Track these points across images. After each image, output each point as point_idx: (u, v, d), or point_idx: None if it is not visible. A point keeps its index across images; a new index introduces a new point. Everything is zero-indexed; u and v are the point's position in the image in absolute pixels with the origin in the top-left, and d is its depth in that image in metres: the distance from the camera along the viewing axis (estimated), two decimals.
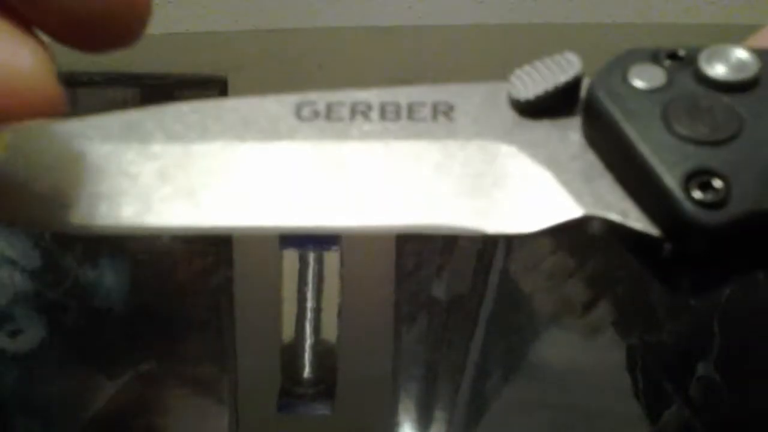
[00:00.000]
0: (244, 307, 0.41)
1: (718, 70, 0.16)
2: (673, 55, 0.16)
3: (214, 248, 0.45)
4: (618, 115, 0.16)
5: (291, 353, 0.41)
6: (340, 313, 0.41)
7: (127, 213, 0.16)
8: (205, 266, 0.45)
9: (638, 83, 0.16)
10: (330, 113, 0.17)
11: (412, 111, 0.17)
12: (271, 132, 0.17)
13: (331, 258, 0.42)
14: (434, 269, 0.45)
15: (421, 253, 0.45)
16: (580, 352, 0.42)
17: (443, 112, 0.17)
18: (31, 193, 0.16)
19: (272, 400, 0.40)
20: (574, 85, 0.16)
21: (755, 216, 0.15)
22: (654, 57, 0.16)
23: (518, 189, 0.16)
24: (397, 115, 0.17)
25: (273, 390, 0.40)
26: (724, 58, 0.16)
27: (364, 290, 0.42)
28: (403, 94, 0.17)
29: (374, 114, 0.17)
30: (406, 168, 0.16)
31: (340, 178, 0.16)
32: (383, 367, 0.40)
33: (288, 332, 0.41)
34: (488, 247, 0.45)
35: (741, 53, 0.16)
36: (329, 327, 0.42)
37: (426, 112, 0.17)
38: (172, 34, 0.65)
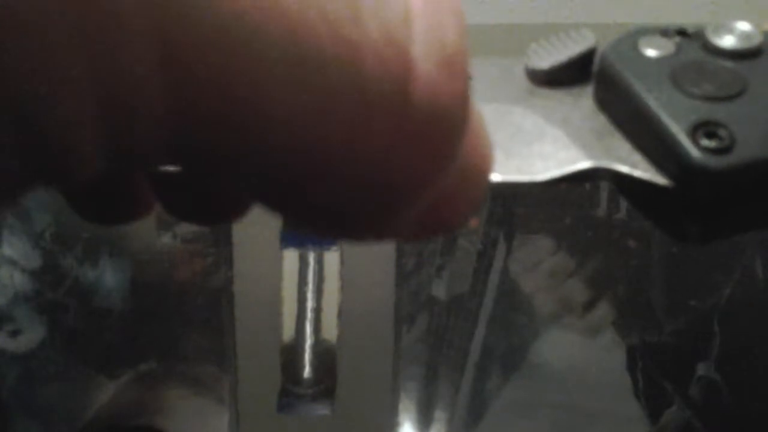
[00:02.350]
0: (244, 307, 0.41)
1: (725, 41, 0.17)
2: (681, 32, 0.17)
3: (214, 248, 0.45)
4: (629, 76, 0.16)
5: (291, 353, 0.41)
6: (340, 313, 0.41)
7: None
8: (205, 266, 0.45)
9: (649, 52, 0.17)
10: None
11: None
12: None
13: (331, 258, 0.42)
14: (434, 269, 0.45)
15: (421, 253, 0.45)
16: (580, 352, 0.42)
17: None
18: None
19: (272, 400, 0.40)
20: (587, 57, 0.17)
21: (758, 163, 0.15)
22: (663, 32, 0.17)
23: (530, 142, 0.17)
24: None
25: (273, 390, 0.40)
26: (729, 30, 0.17)
27: (364, 290, 0.42)
28: None
29: None
30: None
31: None
32: (383, 367, 0.40)
33: (288, 332, 0.41)
34: (488, 247, 0.45)
35: (745, 26, 0.17)
36: (329, 327, 0.42)
37: None
38: None
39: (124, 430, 0.38)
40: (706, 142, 0.15)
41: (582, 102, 0.17)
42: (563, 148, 0.16)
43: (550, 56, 0.17)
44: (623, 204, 0.46)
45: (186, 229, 0.46)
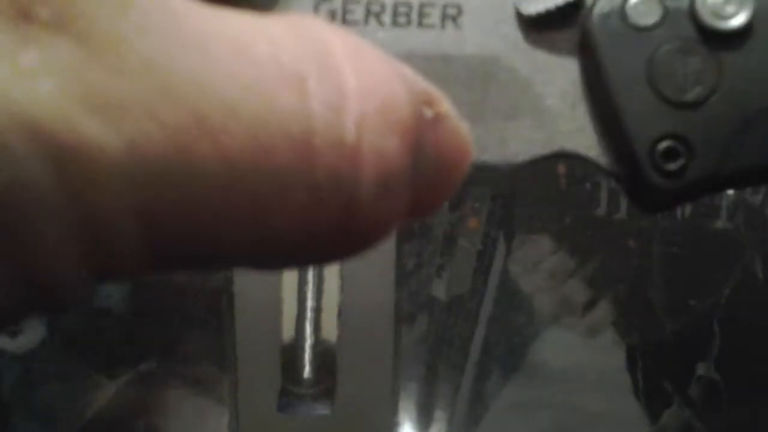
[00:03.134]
0: (244, 307, 0.41)
1: (714, 18, 0.16)
2: None
3: None
4: (606, 55, 0.16)
5: (291, 353, 0.41)
6: (340, 313, 0.41)
7: None
8: None
9: (634, 18, 0.17)
10: (345, 14, 0.17)
11: (422, 15, 0.17)
12: None
13: None
14: (434, 269, 0.45)
15: (421, 253, 0.45)
16: (580, 352, 0.42)
17: (451, 17, 0.17)
18: None
19: (272, 400, 0.40)
20: (575, 6, 0.17)
21: (710, 181, 0.16)
22: None
23: (507, 119, 0.16)
24: (408, 19, 0.17)
25: (273, 390, 0.40)
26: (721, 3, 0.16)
27: (364, 290, 0.42)
28: None
29: (387, 17, 0.17)
30: None
31: None
32: (383, 367, 0.40)
33: (288, 332, 0.41)
34: (488, 247, 0.45)
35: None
36: (329, 327, 0.42)
37: (435, 16, 0.17)
38: None
39: (124, 430, 0.38)
40: (662, 163, 0.16)
41: (565, 65, 0.17)
42: (536, 129, 0.16)
43: (539, 1, 0.17)
44: (623, 204, 0.46)
45: None
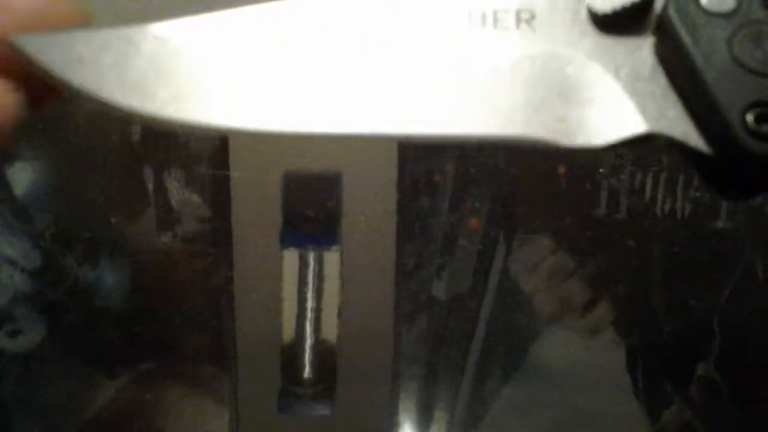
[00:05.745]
0: (244, 307, 0.41)
1: None
2: None
3: (214, 248, 0.45)
4: (687, 39, 0.17)
5: (291, 353, 0.41)
6: (340, 313, 0.41)
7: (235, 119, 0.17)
8: (205, 266, 0.45)
9: (708, 5, 0.17)
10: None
11: (496, 19, 0.18)
12: (352, 35, 0.17)
13: (331, 258, 0.42)
14: (434, 269, 0.45)
15: (421, 253, 0.45)
16: (580, 352, 0.42)
17: (525, 20, 0.17)
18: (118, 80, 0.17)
19: (272, 400, 0.40)
20: (649, 2, 0.17)
21: None
22: None
23: (590, 104, 0.17)
24: (484, 23, 0.17)
25: (273, 390, 0.40)
26: None
27: (364, 290, 0.42)
28: (489, 0, 0.18)
29: (463, 20, 0.17)
30: (483, 78, 0.17)
31: (417, 86, 0.17)
32: (383, 367, 0.40)
33: (288, 332, 0.41)
34: (488, 248, 0.45)
35: None
36: (329, 327, 0.42)
37: (509, 20, 0.17)
38: None
39: (124, 430, 0.38)
40: (754, 126, 0.16)
41: (643, 55, 0.17)
42: (620, 112, 0.17)
43: None
44: (623, 204, 0.46)
45: (186, 229, 0.46)
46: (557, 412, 0.39)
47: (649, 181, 0.45)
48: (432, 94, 0.17)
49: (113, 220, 0.46)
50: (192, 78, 0.17)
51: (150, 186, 0.46)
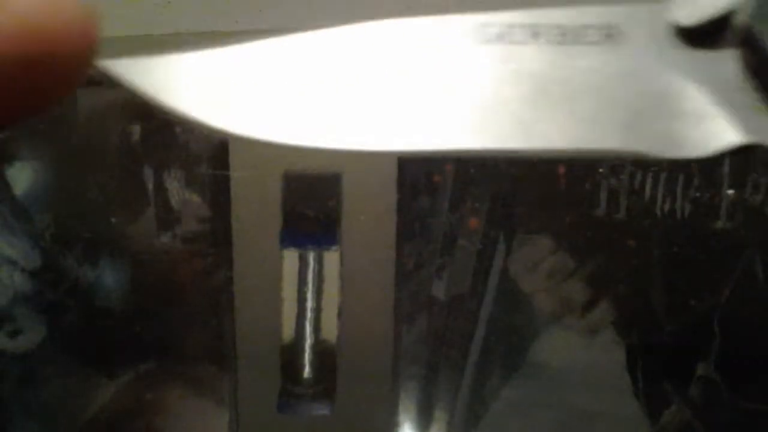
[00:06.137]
0: (244, 307, 0.41)
1: None
2: None
3: (214, 248, 0.45)
4: None
5: (291, 353, 0.41)
6: (340, 313, 0.41)
7: (323, 139, 0.17)
8: (205, 266, 0.45)
9: None
10: (508, 36, 0.17)
11: (582, 35, 0.18)
12: (455, 54, 0.17)
13: (331, 258, 0.42)
14: (434, 269, 0.45)
15: (421, 253, 0.45)
16: (580, 352, 0.42)
17: (612, 35, 0.17)
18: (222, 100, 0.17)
19: (272, 400, 0.40)
20: (731, 13, 0.17)
21: None
22: None
23: (683, 117, 0.17)
24: (569, 39, 0.17)
25: (273, 390, 0.40)
26: None
27: (364, 290, 0.42)
28: (574, 16, 0.18)
29: (549, 37, 0.17)
30: (572, 93, 0.17)
31: (510, 101, 0.17)
32: (383, 367, 0.40)
33: (288, 332, 0.41)
34: (488, 247, 0.45)
35: None
36: (329, 327, 0.42)
37: (596, 35, 0.17)
38: (172, 35, 0.65)
39: (124, 430, 0.38)
40: None
41: (730, 66, 0.17)
42: (714, 124, 0.17)
43: (697, 10, 0.17)
44: (623, 204, 0.46)
45: (186, 228, 0.46)
46: (557, 412, 0.39)
47: (649, 181, 0.45)
48: (527, 109, 0.17)
49: (113, 220, 0.46)
50: (284, 99, 0.17)
51: (150, 186, 0.46)
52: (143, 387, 0.40)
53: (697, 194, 0.45)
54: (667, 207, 0.46)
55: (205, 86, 0.17)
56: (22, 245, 0.44)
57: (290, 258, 0.42)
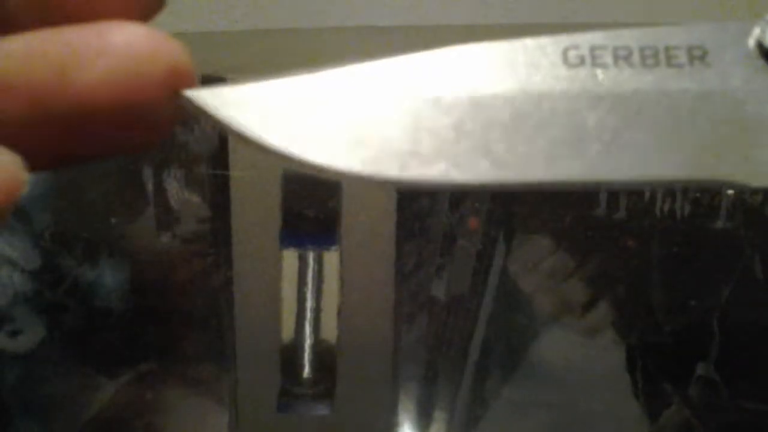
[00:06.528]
0: (244, 307, 0.41)
1: None
2: None
3: (214, 248, 0.45)
4: None
5: (291, 353, 0.41)
6: (340, 313, 0.41)
7: (433, 171, 0.16)
8: (205, 266, 0.45)
9: None
10: (594, 58, 0.17)
11: (669, 56, 0.17)
12: (542, 78, 0.17)
13: (331, 258, 0.42)
14: (434, 269, 0.45)
15: (421, 253, 0.45)
16: (580, 352, 0.42)
17: (698, 57, 0.17)
18: (322, 135, 0.16)
19: (272, 400, 0.40)
20: None
21: None
22: None
23: (762, 144, 0.16)
24: (656, 60, 0.17)
25: (273, 390, 0.40)
26: None
27: (364, 290, 0.42)
28: (658, 37, 0.17)
29: (635, 59, 0.17)
30: (664, 119, 0.17)
31: (606, 127, 0.17)
32: (383, 367, 0.40)
33: (288, 332, 0.41)
34: (488, 247, 0.45)
35: None
36: (329, 327, 0.42)
37: (682, 57, 0.17)
38: (171, 34, 0.65)
39: (124, 430, 0.38)
40: None
41: None
42: None
43: None
44: (623, 204, 0.46)
45: (186, 229, 0.46)
46: (557, 412, 0.39)
47: None
48: (614, 137, 0.16)
49: (113, 220, 0.46)
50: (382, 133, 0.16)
51: (150, 186, 0.46)
52: (143, 387, 0.40)
53: (697, 194, 0.45)
54: (667, 207, 0.46)
55: (305, 116, 0.16)
56: (22, 245, 0.44)
57: (290, 258, 0.42)
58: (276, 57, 0.69)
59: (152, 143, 0.16)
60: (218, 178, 0.46)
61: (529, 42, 0.17)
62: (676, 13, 0.73)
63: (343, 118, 0.16)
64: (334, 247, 0.42)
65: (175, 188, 0.46)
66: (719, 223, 0.45)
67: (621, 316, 0.43)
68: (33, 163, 0.15)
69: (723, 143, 0.16)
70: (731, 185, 0.16)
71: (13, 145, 0.15)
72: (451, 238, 0.46)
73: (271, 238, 0.42)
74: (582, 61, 0.17)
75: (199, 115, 0.16)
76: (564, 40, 0.17)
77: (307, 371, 0.41)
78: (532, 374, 0.40)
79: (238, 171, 0.45)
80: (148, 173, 0.45)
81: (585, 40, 0.17)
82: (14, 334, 0.41)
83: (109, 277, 0.44)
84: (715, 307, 0.42)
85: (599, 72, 0.17)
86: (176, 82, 0.15)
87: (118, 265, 0.44)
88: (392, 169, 0.16)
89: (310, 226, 0.44)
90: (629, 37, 0.17)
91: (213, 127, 0.16)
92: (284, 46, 0.71)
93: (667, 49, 0.17)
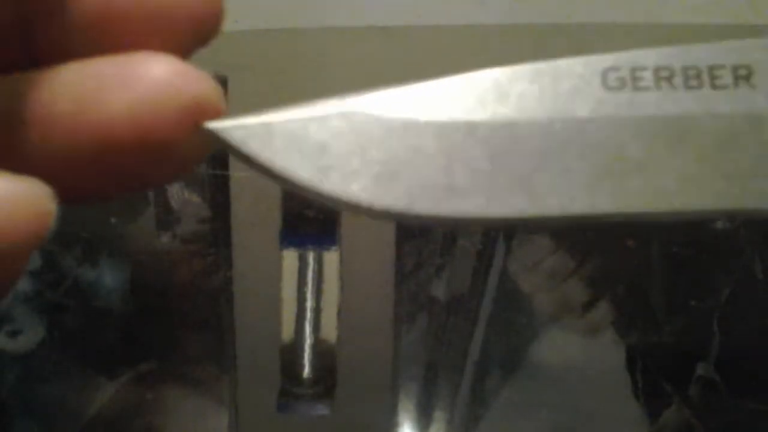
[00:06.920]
0: (244, 307, 0.41)
1: None
2: None
3: (214, 248, 0.45)
4: None
5: (291, 353, 0.41)
6: (340, 313, 0.41)
7: (469, 206, 0.15)
8: (205, 266, 0.45)
9: None
10: (635, 81, 0.16)
11: (713, 77, 0.16)
12: (581, 104, 0.16)
13: (331, 258, 0.42)
14: (434, 269, 0.45)
15: (421, 253, 0.45)
16: (580, 352, 0.42)
17: (743, 76, 0.16)
18: (355, 170, 0.15)
19: (272, 400, 0.40)
20: None
21: None
22: None
23: None
24: (700, 81, 0.16)
25: (273, 390, 0.40)
26: None
27: (364, 290, 0.42)
28: (701, 55, 0.16)
29: (678, 80, 0.16)
30: (708, 144, 0.16)
31: (649, 156, 0.16)
32: (383, 367, 0.40)
33: (288, 332, 0.41)
34: (488, 247, 0.45)
35: None
36: (329, 327, 0.42)
37: (727, 77, 0.16)
38: None
39: (124, 430, 0.38)
40: None
41: None
42: None
43: None
44: None
45: (186, 229, 0.46)
46: (557, 412, 0.39)
47: None
48: (657, 165, 0.16)
49: (113, 220, 0.46)
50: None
51: None
52: (143, 387, 0.40)
53: None
54: None
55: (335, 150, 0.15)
56: None
57: (290, 258, 0.42)
58: (276, 57, 0.69)
59: (176, 178, 0.16)
60: (218, 178, 0.46)
61: (564, 63, 0.16)
62: (675, 13, 0.73)
63: (374, 151, 0.15)
64: (334, 247, 0.42)
65: (175, 188, 0.46)
66: (719, 223, 0.45)
67: (621, 316, 0.43)
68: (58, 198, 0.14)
69: (762, 171, 0.16)
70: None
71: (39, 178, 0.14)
72: (451, 238, 0.46)
73: (271, 238, 0.42)
74: (623, 84, 0.16)
75: (224, 149, 0.15)
76: (603, 60, 0.16)
77: (307, 371, 0.41)
78: (532, 374, 0.40)
79: (238, 171, 0.45)
80: None
81: (624, 59, 0.16)
82: (14, 334, 0.41)
83: (109, 277, 0.44)
84: (715, 307, 0.42)
85: (641, 96, 0.16)
86: (200, 116, 0.15)
87: (118, 265, 0.44)
88: (426, 204, 0.15)
89: (310, 226, 0.44)
90: (671, 56, 0.16)
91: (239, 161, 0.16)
92: (284, 46, 0.71)
93: (710, 69, 0.16)
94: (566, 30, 0.72)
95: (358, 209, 0.15)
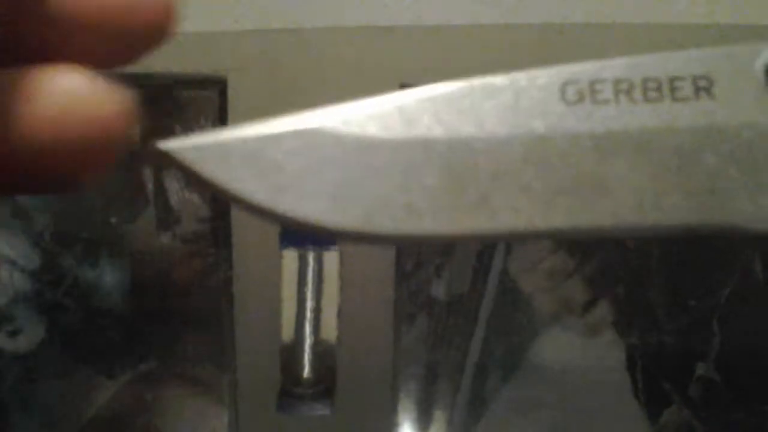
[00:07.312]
0: (244, 307, 0.41)
1: None
2: None
3: (214, 248, 0.45)
4: None
5: (291, 353, 0.41)
6: (339, 313, 0.41)
7: (427, 225, 0.15)
8: (205, 266, 0.45)
9: None
10: (594, 94, 0.16)
11: (673, 88, 0.16)
12: (540, 119, 0.16)
13: (331, 258, 0.42)
14: (434, 269, 0.45)
15: (421, 253, 0.45)
16: (580, 352, 0.42)
17: (704, 87, 0.16)
18: (311, 190, 0.15)
19: (272, 400, 0.40)
20: None
21: None
22: None
23: None
24: (660, 94, 0.16)
25: (273, 390, 0.40)
26: None
27: (364, 290, 0.42)
28: (661, 66, 0.16)
29: (637, 92, 0.16)
30: (669, 159, 0.16)
31: (614, 171, 0.16)
32: (383, 367, 0.40)
33: (288, 332, 0.41)
34: (488, 247, 0.45)
35: None
36: (329, 327, 0.42)
37: (687, 89, 0.16)
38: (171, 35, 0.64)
39: (124, 430, 0.38)
40: None
41: None
42: None
43: None
44: None
45: (186, 228, 0.46)
46: (557, 412, 0.39)
47: None
48: (616, 180, 0.15)
49: (113, 220, 0.46)
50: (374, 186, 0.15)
51: (150, 186, 0.46)
52: (143, 387, 0.40)
53: None
54: None
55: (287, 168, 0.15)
56: (22, 245, 0.44)
57: (290, 258, 0.42)
58: (276, 57, 0.69)
59: (79, 186, 0.16)
60: None
61: (524, 77, 0.16)
62: (673, 13, 0.73)
63: (330, 170, 0.15)
64: (334, 247, 0.42)
65: (175, 188, 0.46)
66: None
67: (621, 316, 0.43)
68: None
69: (732, 185, 0.15)
70: (738, 231, 0.15)
71: None
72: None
73: (271, 238, 0.42)
74: (581, 97, 0.16)
75: (177, 170, 0.15)
76: (561, 72, 0.16)
77: (307, 371, 0.41)
78: (532, 374, 0.40)
79: None
80: (148, 173, 0.45)
81: (583, 72, 0.16)
82: (14, 334, 0.41)
83: (109, 277, 0.44)
84: (715, 307, 0.42)
85: (600, 109, 0.16)
86: (105, 130, 0.14)
87: (118, 265, 0.44)
88: (384, 223, 0.15)
89: None
90: (630, 68, 0.16)
91: (190, 183, 0.15)
92: (284, 46, 0.71)
93: (671, 80, 0.16)
94: (565, 30, 0.72)
95: (314, 229, 0.15)
